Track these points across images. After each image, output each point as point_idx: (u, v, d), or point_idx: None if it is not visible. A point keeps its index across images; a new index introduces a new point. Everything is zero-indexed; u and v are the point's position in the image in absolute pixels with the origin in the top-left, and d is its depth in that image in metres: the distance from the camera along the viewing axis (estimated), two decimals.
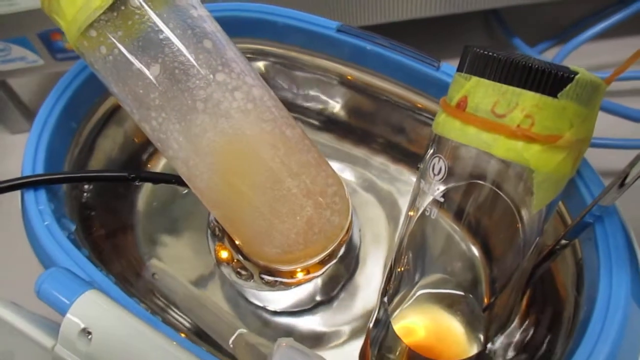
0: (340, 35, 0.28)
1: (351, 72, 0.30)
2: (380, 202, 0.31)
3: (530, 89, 0.19)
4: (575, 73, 0.18)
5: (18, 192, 0.24)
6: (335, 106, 0.33)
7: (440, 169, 0.21)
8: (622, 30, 0.42)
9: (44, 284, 0.20)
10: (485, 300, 0.24)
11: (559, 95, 0.18)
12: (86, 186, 0.27)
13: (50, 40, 0.42)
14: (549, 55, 0.45)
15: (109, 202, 0.29)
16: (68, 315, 0.19)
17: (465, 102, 0.20)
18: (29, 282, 0.21)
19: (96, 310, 0.19)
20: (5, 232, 0.30)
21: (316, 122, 0.34)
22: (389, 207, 0.31)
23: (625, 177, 0.19)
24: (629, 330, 0.20)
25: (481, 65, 0.19)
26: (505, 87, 0.19)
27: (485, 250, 0.24)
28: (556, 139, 0.19)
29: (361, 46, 0.28)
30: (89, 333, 0.19)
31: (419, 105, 0.28)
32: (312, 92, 0.33)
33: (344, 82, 0.31)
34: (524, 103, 0.19)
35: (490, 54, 0.19)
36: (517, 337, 0.25)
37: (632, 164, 0.18)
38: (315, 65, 0.31)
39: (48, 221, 0.23)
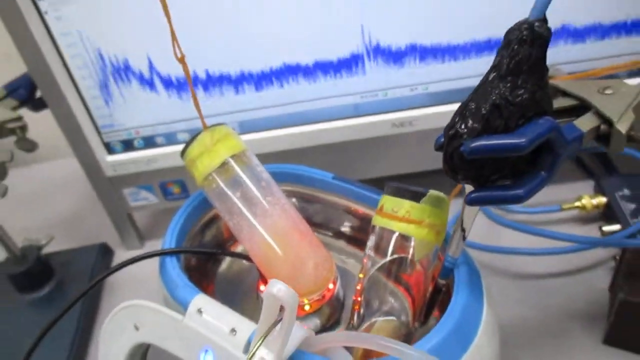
0: (335, 181, 0.52)
1: (345, 202, 0.53)
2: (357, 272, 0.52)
3: (406, 199, 0.40)
4: (427, 191, 0.40)
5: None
6: (338, 222, 0.55)
7: (372, 242, 0.42)
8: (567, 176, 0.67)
9: (182, 292, 0.41)
10: (411, 322, 0.43)
11: (401, 202, 0.40)
12: (192, 257, 0.50)
13: (165, 187, 0.67)
14: None
15: (203, 269, 0.51)
16: (192, 302, 0.40)
17: (382, 207, 0.42)
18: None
19: (203, 301, 0.40)
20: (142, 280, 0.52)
21: (325, 231, 0.56)
22: None
23: (463, 229, 0.39)
24: (461, 329, 0.37)
25: (387, 190, 0.42)
26: (396, 199, 0.41)
27: (408, 291, 0.43)
28: (421, 222, 0.40)
29: (347, 187, 0.51)
30: (201, 311, 0.39)
31: None
32: (324, 214, 0.56)
33: (344, 209, 0.54)
34: (405, 206, 0.40)
35: (391, 185, 0.41)
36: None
37: (461, 217, 0.39)
38: (324, 199, 0.54)
39: (177, 271, 0.45)
